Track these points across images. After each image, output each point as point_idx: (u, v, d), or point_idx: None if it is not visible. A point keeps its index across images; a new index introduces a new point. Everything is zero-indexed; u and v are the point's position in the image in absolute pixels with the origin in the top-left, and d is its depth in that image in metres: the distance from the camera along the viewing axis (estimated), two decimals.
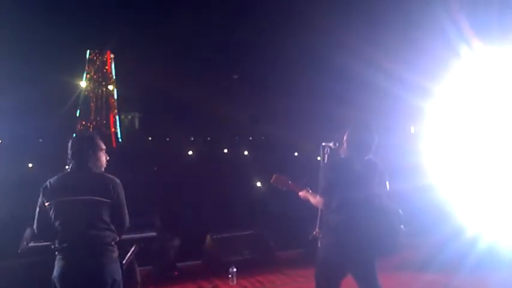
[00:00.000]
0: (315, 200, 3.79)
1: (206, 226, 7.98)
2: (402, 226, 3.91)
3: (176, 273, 5.76)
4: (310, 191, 3.88)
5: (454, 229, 6.00)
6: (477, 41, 5.99)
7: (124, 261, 3.92)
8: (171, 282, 5.56)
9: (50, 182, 3.29)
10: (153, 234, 4.14)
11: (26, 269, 4.71)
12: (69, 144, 3.33)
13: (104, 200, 3.18)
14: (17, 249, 4.36)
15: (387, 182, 3.87)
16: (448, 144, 6.12)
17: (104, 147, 3.40)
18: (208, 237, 6.23)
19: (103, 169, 3.40)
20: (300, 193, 3.93)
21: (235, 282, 5.46)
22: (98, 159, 3.35)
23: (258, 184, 20.59)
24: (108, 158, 3.44)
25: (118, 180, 3.31)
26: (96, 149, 3.35)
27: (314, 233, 4.04)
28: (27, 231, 4.09)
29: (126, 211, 3.31)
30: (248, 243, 6.28)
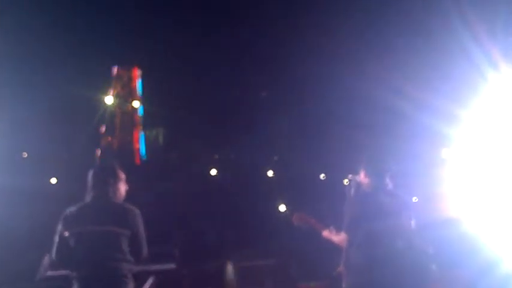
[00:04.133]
0: (338, 238, 3.70)
1: (227, 253, 7.85)
2: (434, 266, 3.76)
3: None
4: (334, 231, 3.77)
5: (487, 263, 5.76)
6: (504, 64, 5.81)
7: None
8: None
9: (69, 211, 3.29)
10: (172, 266, 4.04)
11: None
12: (90, 174, 3.33)
13: (123, 231, 3.18)
14: (34, 274, 4.35)
15: (413, 221, 3.71)
16: (476, 172, 5.88)
17: (123, 177, 3.41)
18: (228, 265, 6.12)
19: (122, 199, 3.39)
20: (324, 233, 3.84)
21: None
22: (118, 189, 3.37)
23: (282, 208, 20.13)
24: (127, 187, 3.43)
25: (137, 211, 3.31)
26: (116, 179, 3.36)
27: (338, 269, 3.91)
28: (46, 259, 4.06)
29: (144, 242, 3.30)
30: (270, 273, 6.15)
